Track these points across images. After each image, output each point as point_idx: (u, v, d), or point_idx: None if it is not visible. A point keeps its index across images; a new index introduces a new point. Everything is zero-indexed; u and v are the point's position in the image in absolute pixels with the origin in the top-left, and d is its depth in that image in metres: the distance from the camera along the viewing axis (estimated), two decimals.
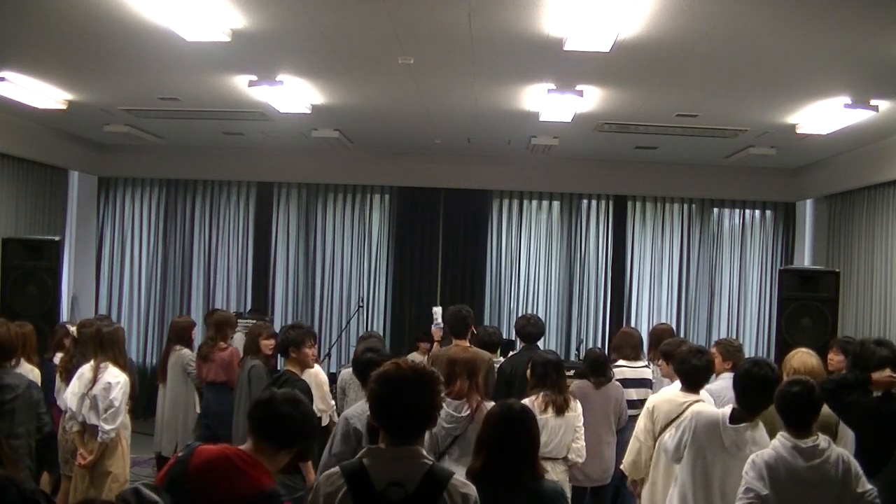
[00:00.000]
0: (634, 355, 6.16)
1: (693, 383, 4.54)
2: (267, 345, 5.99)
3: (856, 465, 3.39)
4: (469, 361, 4.59)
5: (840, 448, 3.49)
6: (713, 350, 5.13)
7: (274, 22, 4.91)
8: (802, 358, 4.54)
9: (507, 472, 2.94)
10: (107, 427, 5.10)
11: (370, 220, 10.28)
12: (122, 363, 5.34)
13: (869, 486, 3.38)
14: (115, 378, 5.17)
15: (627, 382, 5.88)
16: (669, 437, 4.17)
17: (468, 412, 4.44)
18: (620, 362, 6.03)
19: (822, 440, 3.38)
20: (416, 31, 5.04)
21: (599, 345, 9.51)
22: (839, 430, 4.19)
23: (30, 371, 5.61)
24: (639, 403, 5.48)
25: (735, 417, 3.81)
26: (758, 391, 3.75)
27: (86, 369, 5.27)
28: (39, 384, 5.64)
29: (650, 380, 6.04)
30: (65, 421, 5.53)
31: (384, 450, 2.51)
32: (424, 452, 2.52)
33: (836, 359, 5.25)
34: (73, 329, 6.14)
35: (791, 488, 3.30)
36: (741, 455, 3.65)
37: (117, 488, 5.11)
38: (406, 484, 2.42)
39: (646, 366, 6.18)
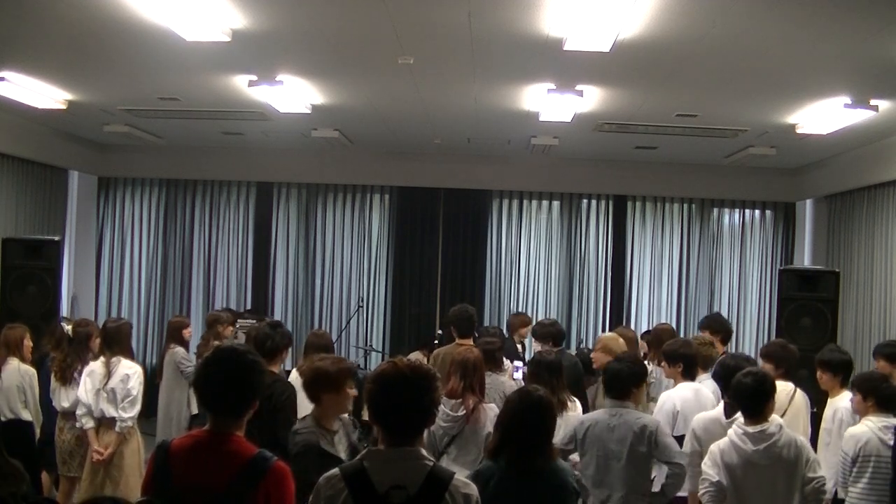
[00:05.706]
0: None
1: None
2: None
3: (808, 451, 3.69)
4: (462, 362, 4.57)
5: (795, 434, 3.75)
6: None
7: (274, 22, 4.91)
8: (617, 339, 5.35)
9: (519, 454, 3.10)
10: (125, 415, 5.20)
11: (370, 220, 10.27)
12: (131, 357, 5.48)
13: (820, 473, 3.66)
14: (132, 368, 5.32)
15: None
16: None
17: (464, 412, 4.44)
18: None
19: (773, 426, 3.63)
20: (416, 31, 5.03)
21: None
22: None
23: (16, 369, 5.64)
24: None
25: (727, 412, 4.03)
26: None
27: (96, 366, 5.34)
28: (35, 383, 5.67)
29: None
30: (61, 420, 5.55)
31: (384, 451, 2.48)
32: (425, 453, 2.50)
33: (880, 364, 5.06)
34: (68, 328, 6.13)
35: (744, 471, 3.61)
36: None
37: (135, 482, 5.10)
38: (408, 486, 2.40)
39: None
